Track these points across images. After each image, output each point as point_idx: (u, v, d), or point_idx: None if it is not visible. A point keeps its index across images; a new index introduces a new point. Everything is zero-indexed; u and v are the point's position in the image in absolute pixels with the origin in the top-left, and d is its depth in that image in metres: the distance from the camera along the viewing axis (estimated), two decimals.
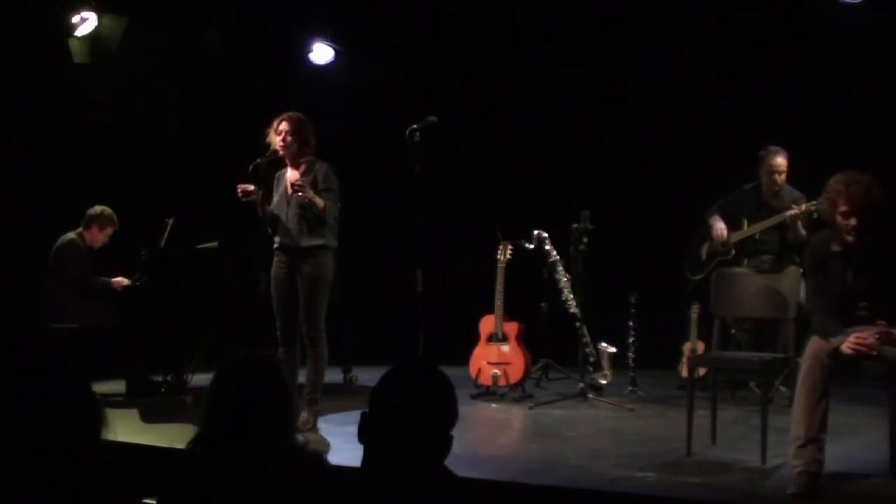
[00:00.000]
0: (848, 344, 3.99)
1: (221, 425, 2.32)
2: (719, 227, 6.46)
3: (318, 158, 5.46)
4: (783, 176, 6.37)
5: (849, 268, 4.21)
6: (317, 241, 5.35)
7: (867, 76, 7.09)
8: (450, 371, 2.32)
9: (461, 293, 7.20)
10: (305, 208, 5.30)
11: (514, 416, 6.20)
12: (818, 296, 4.27)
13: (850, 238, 4.13)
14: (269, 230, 5.48)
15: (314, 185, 5.32)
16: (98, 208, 6.81)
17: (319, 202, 5.26)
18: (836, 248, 4.23)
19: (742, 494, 4.17)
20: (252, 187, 5.30)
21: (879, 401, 4.72)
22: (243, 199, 5.32)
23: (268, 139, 5.40)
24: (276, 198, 5.47)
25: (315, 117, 5.50)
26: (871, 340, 3.97)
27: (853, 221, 4.08)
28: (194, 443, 2.35)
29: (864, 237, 4.11)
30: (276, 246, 5.44)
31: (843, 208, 4.10)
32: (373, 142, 7.69)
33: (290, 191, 5.36)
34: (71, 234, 6.72)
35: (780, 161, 6.35)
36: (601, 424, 5.71)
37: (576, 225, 6.48)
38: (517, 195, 7.98)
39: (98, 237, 6.80)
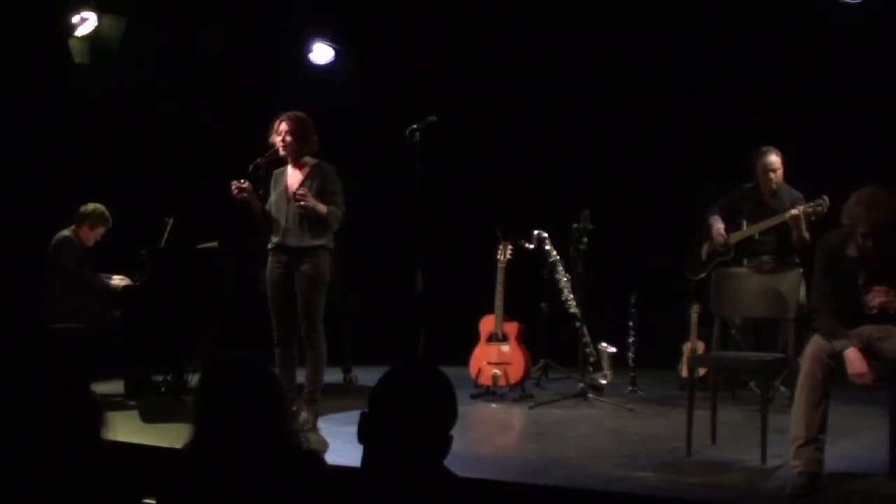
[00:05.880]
0: (876, 296, 4.06)
1: (209, 428, 2.33)
2: (718, 227, 6.46)
3: (322, 160, 5.47)
4: (779, 173, 6.36)
5: (861, 270, 4.20)
6: (316, 242, 5.36)
7: (867, 76, 7.09)
8: (450, 371, 2.32)
9: (461, 293, 7.20)
10: (308, 212, 5.31)
11: (514, 416, 6.20)
12: (825, 296, 4.26)
13: (866, 251, 4.13)
14: (268, 228, 5.48)
15: (319, 190, 5.33)
16: (90, 206, 6.78)
17: (322, 210, 5.28)
18: (851, 252, 4.21)
19: (742, 494, 4.18)
20: (247, 183, 5.31)
21: (879, 401, 4.72)
22: (237, 197, 5.32)
23: (270, 140, 5.42)
24: (273, 196, 5.47)
25: (315, 117, 5.50)
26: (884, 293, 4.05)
27: (871, 242, 4.08)
28: (190, 444, 2.35)
29: (881, 248, 4.10)
30: (271, 246, 5.45)
31: (862, 230, 4.09)
32: (373, 142, 7.69)
33: (291, 192, 5.37)
34: (66, 232, 6.71)
35: (773, 158, 6.34)
36: (601, 424, 5.71)
37: (576, 225, 6.47)
38: (517, 195, 7.98)
39: (89, 235, 6.78)
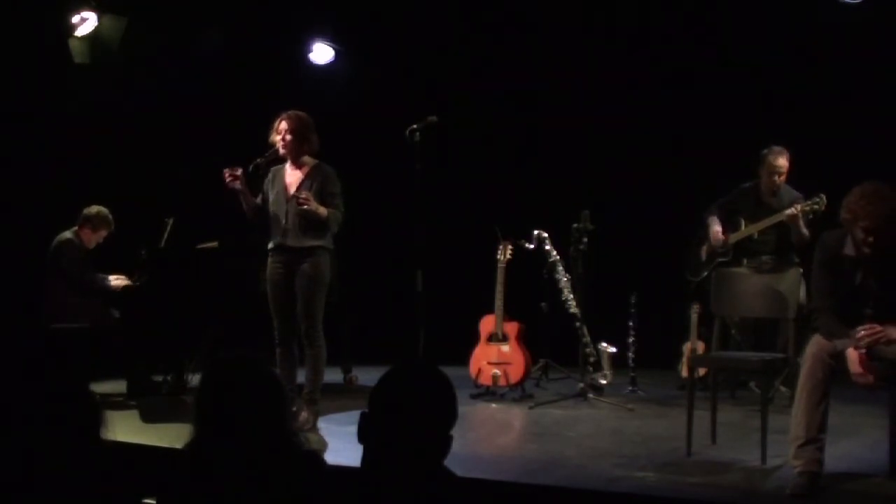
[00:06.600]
0: (863, 337, 4.00)
1: (209, 428, 2.33)
2: (715, 230, 6.46)
3: (322, 161, 5.47)
4: (783, 177, 6.36)
5: (859, 269, 4.20)
6: (316, 242, 5.37)
7: (867, 76, 7.09)
8: (450, 371, 2.32)
9: (461, 293, 7.20)
10: (308, 215, 5.32)
11: (514, 416, 6.20)
12: (825, 296, 4.25)
13: (866, 250, 4.12)
14: (258, 226, 5.48)
15: (319, 192, 5.34)
16: (94, 209, 6.78)
17: (323, 213, 5.29)
18: (848, 251, 4.21)
19: (742, 494, 4.18)
20: (240, 170, 5.32)
21: (879, 401, 4.72)
22: (229, 185, 5.32)
23: (270, 139, 5.43)
24: (272, 195, 5.47)
25: (315, 117, 5.51)
26: (879, 328, 4.00)
27: (872, 238, 4.07)
28: (191, 444, 2.35)
29: (880, 248, 4.09)
30: (271, 246, 5.45)
31: (864, 224, 4.07)
32: (373, 142, 7.69)
33: (289, 192, 5.37)
34: (67, 233, 6.70)
35: (782, 162, 6.33)
36: (601, 424, 5.71)
37: (576, 225, 6.48)
38: (517, 195, 7.98)
39: (91, 238, 6.78)
